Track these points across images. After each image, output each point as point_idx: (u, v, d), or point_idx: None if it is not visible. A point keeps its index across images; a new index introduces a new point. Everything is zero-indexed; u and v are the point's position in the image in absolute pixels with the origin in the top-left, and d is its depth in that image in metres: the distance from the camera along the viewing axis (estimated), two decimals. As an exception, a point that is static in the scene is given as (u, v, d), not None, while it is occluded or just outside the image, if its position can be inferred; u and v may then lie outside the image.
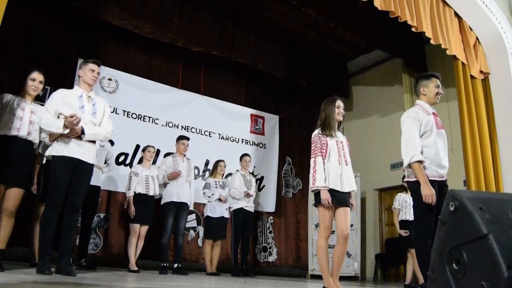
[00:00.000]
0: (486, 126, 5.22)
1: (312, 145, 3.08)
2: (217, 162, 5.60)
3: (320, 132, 3.09)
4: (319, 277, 6.35)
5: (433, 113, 3.08)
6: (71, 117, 2.92)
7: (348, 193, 3.08)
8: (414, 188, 2.93)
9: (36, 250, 3.85)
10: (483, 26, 5.44)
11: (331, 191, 2.96)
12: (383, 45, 6.51)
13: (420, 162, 2.85)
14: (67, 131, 2.96)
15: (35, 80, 3.29)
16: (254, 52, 6.67)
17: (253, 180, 5.92)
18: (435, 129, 3.00)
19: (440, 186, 2.94)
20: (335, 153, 3.05)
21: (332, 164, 3.02)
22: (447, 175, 3.20)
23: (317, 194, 3.00)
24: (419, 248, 2.88)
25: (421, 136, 2.96)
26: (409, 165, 2.88)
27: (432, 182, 2.87)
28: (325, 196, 2.93)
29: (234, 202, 5.56)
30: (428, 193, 2.78)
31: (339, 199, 3.00)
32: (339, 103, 3.18)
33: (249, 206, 5.63)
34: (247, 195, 5.52)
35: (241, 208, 5.54)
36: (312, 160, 3.04)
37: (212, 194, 5.34)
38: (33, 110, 3.26)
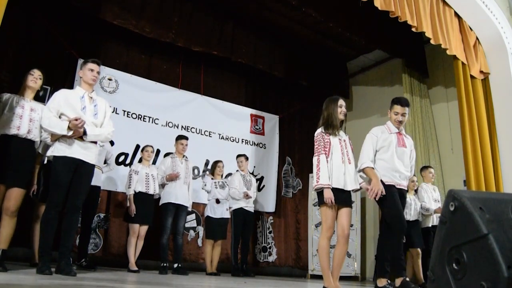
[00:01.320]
0: (486, 126, 5.22)
1: (316, 144, 3.08)
2: (215, 162, 5.61)
3: (323, 131, 3.11)
4: (319, 277, 6.35)
5: (398, 133, 3.48)
6: (76, 120, 2.92)
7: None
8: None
9: (36, 250, 3.85)
10: (483, 26, 5.44)
11: (335, 190, 2.97)
12: (383, 45, 6.51)
13: (370, 168, 3.33)
14: (70, 133, 2.96)
15: (35, 73, 3.30)
16: (254, 52, 6.66)
17: (254, 180, 5.91)
18: (393, 146, 3.40)
19: (400, 192, 3.36)
20: (338, 152, 3.07)
21: (335, 163, 3.03)
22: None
23: (320, 193, 3.00)
24: (390, 241, 3.28)
25: (379, 150, 3.42)
26: (363, 171, 3.33)
27: (390, 185, 3.30)
28: (329, 195, 2.93)
29: (233, 202, 5.56)
30: (376, 188, 3.20)
31: (343, 199, 3.02)
32: (341, 102, 3.20)
33: (249, 206, 5.63)
34: (247, 196, 5.52)
35: (241, 208, 5.55)
36: (315, 159, 3.04)
37: (208, 184, 5.39)
38: (33, 108, 3.25)
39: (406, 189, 3.47)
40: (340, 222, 3.03)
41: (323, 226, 3.03)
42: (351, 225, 6.32)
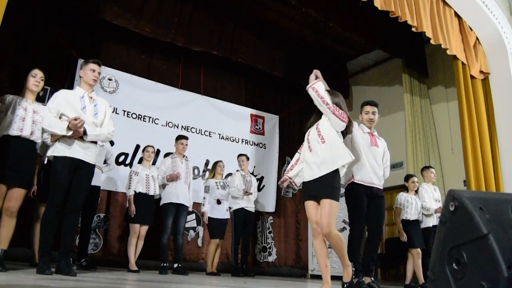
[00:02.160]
0: (486, 126, 5.23)
1: None
2: (216, 163, 5.61)
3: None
4: (319, 277, 6.34)
5: (369, 133, 3.59)
6: (75, 119, 2.92)
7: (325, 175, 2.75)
8: (346, 191, 3.44)
9: (36, 250, 3.85)
10: (483, 26, 5.44)
11: (305, 184, 2.87)
12: (383, 45, 6.51)
13: None
14: (70, 133, 2.95)
15: (37, 76, 3.29)
16: (254, 52, 6.67)
17: (254, 180, 5.89)
18: (367, 146, 3.50)
19: (369, 192, 3.39)
20: (305, 141, 2.95)
21: (305, 154, 2.93)
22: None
23: None
24: (350, 249, 3.28)
25: (353, 145, 3.46)
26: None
27: (357, 185, 3.36)
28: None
29: (234, 202, 5.55)
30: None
31: (308, 192, 2.83)
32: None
33: (249, 206, 5.62)
34: (246, 193, 5.51)
35: (242, 208, 5.53)
36: None
37: (207, 202, 5.33)
38: (35, 110, 3.25)
39: (379, 188, 3.46)
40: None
41: None
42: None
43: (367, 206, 3.38)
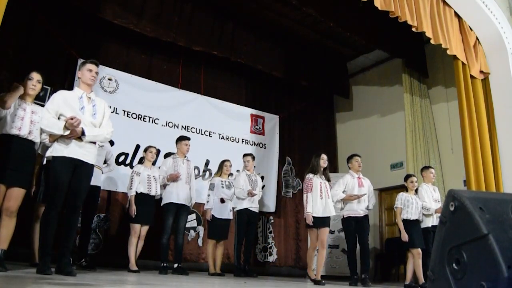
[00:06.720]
0: (486, 126, 5.22)
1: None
2: (223, 161, 5.52)
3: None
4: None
5: (358, 178, 5.08)
6: (72, 119, 2.92)
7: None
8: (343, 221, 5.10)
9: (36, 250, 3.85)
10: (483, 26, 5.44)
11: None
12: (383, 45, 6.51)
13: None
14: (67, 132, 2.96)
15: (33, 79, 3.29)
16: (254, 52, 6.66)
17: (259, 180, 5.78)
18: (356, 187, 5.01)
19: (355, 219, 4.92)
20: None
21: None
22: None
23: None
24: (348, 252, 4.97)
25: (347, 191, 5.02)
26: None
27: (349, 217, 4.96)
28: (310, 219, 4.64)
29: (238, 202, 5.49)
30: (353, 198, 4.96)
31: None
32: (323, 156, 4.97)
33: (253, 206, 5.53)
34: (250, 193, 5.46)
35: (246, 209, 5.45)
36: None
37: (211, 199, 5.32)
38: (33, 110, 3.26)
39: (364, 215, 4.95)
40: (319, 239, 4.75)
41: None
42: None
43: (355, 229, 4.89)
